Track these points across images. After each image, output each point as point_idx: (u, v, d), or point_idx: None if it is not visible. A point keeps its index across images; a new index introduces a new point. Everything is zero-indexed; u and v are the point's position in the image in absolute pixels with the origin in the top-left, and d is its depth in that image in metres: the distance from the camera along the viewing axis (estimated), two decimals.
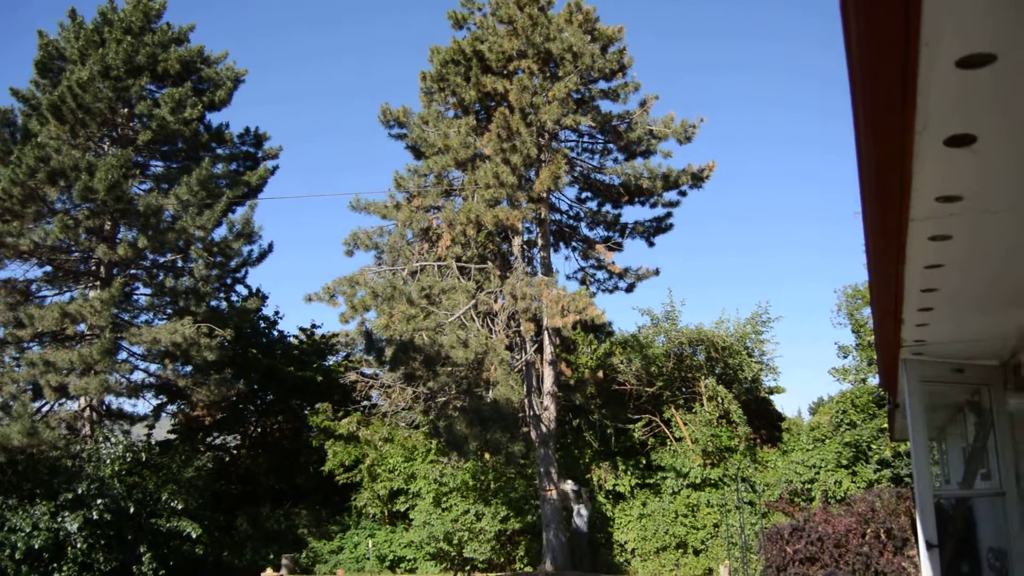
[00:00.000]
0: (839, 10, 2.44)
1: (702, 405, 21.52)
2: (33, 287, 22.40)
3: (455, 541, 20.65)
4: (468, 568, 20.79)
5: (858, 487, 18.67)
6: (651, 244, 22.69)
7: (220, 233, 22.78)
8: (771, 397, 23.80)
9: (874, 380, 21.47)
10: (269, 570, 19.61)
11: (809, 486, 19.33)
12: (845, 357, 22.68)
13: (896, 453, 19.40)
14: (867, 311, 23.16)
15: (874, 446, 19.47)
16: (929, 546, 6.53)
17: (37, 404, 21.20)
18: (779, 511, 12.92)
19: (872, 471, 19.18)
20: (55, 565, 18.10)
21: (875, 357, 20.70)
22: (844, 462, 19.36)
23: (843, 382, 22.25)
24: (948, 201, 3.53)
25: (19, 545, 17.62)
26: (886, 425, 19.32)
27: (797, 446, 20.64)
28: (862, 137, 3.09)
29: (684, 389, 22.49)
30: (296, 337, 28.80)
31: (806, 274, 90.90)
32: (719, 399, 21.10)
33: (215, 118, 24.64)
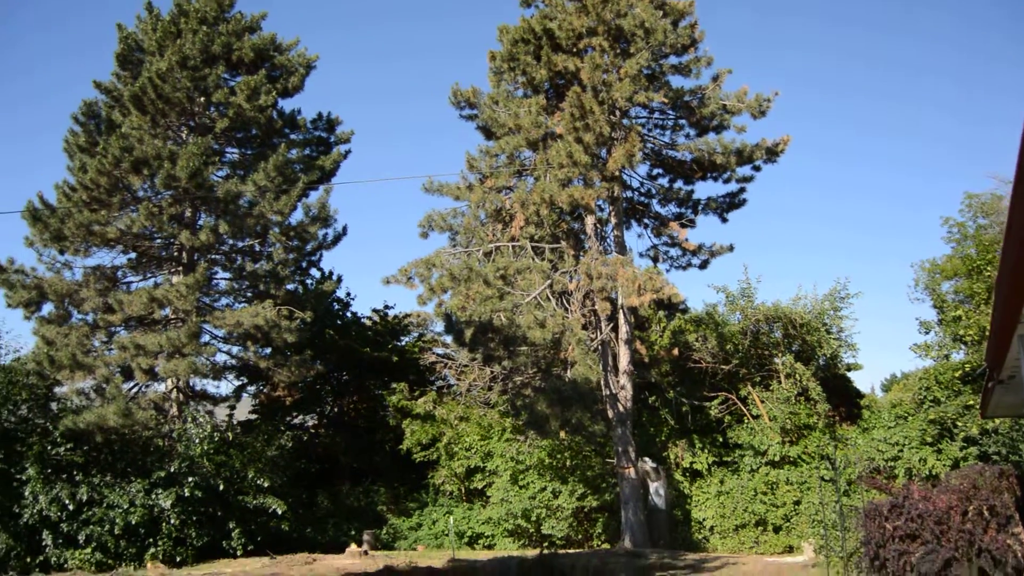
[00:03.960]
0: None
1: (779, 382, 21.32)
2: (119, 273, 23.12)
3: (533, 518, 20.90)
4: (546, 544, 21.03)
5: (944, 465, 18.34)
6: (724, 220, 22.50)
7: (296, 217, 23.22)
8: (849, 374, 23.45)
9: (958, 356, 20.98)
10: (353, 545, 20.12)
11: (892, 464, 19.05)
12: (927, 333, 22.19)
13: (984, 430, 18.99)
14: (947, 285, 22.59)
15: (959, 423, 19.07)
16: None
17: (127, 386, 21.94)
18: (876, 487, 12.76)
19: (958, 449, 18.80)
20: (151, 540, 18.87)
21: (959, 332, 20.23)
22: (929, 439, 19.03)
23: (925, 358, 21.80)
24: None
25: (117, 521, 18.41)
26: (972, 402, 18.90)
27: (878, 423, 20.32)
28: None
29: (761, 366, 22.27)
30: (369, 318, 29.27)
31: (876, 247, 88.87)
32: (797, 376, 20.87)
33: (288, 104, 25.05)
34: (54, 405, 20.75)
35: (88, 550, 18.52)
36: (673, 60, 21.30)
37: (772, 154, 21.22)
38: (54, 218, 20.69)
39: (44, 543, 18.64)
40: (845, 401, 22.40)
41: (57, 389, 21.10)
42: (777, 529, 19.77)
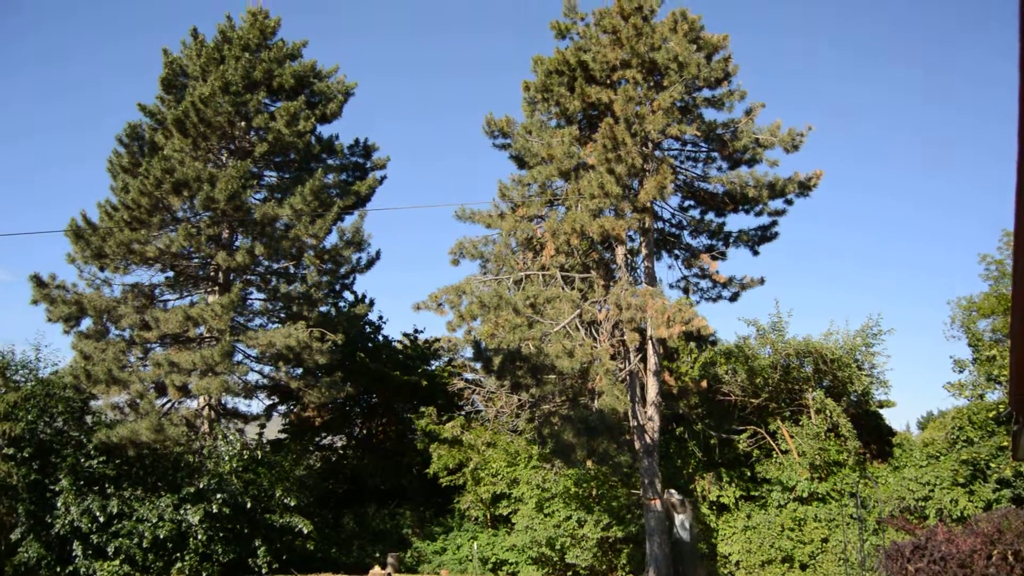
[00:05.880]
0: None
1: (809, 418, 21.12)
2: (157, 291, 23.60)
3: (557, 547, 20.83)
4: (570, 574, 20.94)
5: (976, 507, 18.03)
6: (756, 253, 22.39)
7: (331, 241, 23.63)
8: (881, 411, 23.16)
9: (993, 396, 20.67)
10: (377, 568, 20.19)
11: (923, 504, 18.76)
12: (961, 371, 21.89)
13: (1018, 472, 18.64)
14: (983, 323, 22.32)
15: (993, 464, 18.75)
16: None
17: (160, 402, 22.32)
18: (901, 528, 12.59)
19: (991, 490, 18.47)
20: (178, 554, 19.13)
21: (993, 372, 19.95)
22: (961, 480, 18.72)
23: (959, 397, 21.49)
24: None
25: (146, 534, 18.73)
26: (1006, 443, 18.61)
27: (910, 462, 20.05)
28: None
29: (791, 401, 22.09)
30: (400, 342, 29.52)
31: (912, 283, 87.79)
32: (827, 412, 20.67)
33: (326, 130, 25.56)
34: (89, 418, 21.18)
35: (116, 562, 18.83)
36: (706, 93, 21.37)
37: (805, 188, 21.15)
38: (96, 236, 21.25)
39: (74, 554, 19.00)
40: (876, 438, 22.12)
41: (92, 403, 21.56)
42: (804, 567, 19.52)
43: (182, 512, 19.15)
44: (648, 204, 19.80)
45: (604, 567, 21.12)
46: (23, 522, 19.51)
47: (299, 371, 23.37)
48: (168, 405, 22.61)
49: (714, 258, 21.72)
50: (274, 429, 27.93)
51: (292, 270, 24.02)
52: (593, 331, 19.59)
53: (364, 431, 29.43)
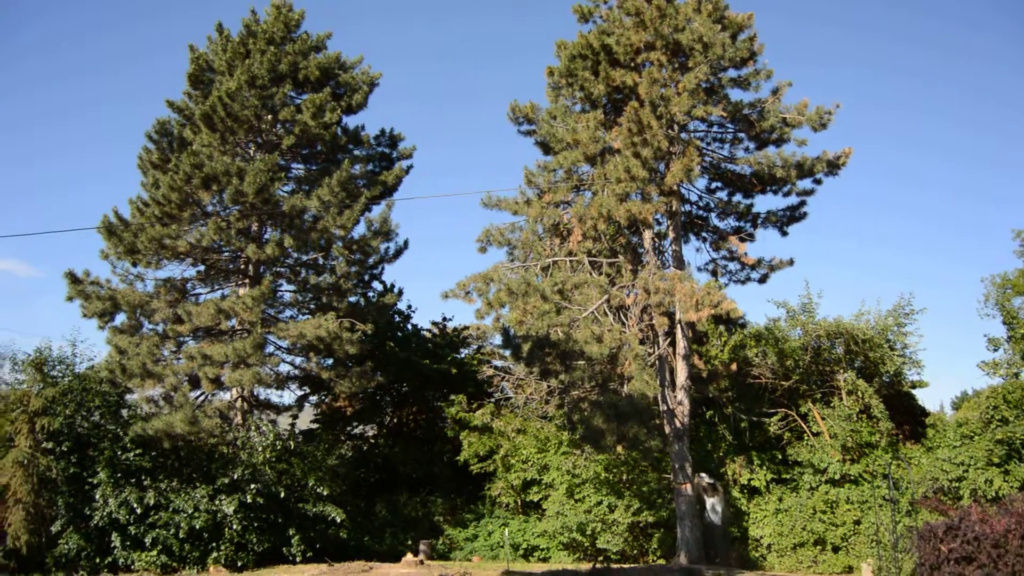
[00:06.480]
0: None
1: (841, 399, 20.95)
2: (188, 285, 23.86)
3: (588, 532, 20.89)
4: (601, 559, 20.98)
5: (1011, 487, 17.81)
6: (784, 234, 22.21)
7: (359, 231, 23.73)
8: (914, 391, 22.90)
9: None
10: (409, 555, 20.35)
11: (957, 484, 18.56)
12: (995, 350, 21.58)
13: None
14: (1018, 301, 21.97)
15: None
16: None
17: (194, 395, 22.60)
18: (935, 509, 12.44)
19: None
20: (214, 544, 19.42)
21: None
22: (996, 460, 18.49)
23: (994, 376, 21.18)
24: None
25: (182, 525, 19.02)
26: None
27: (943, 443, 19.83)
28: None
29: (822, 383, 21.92)
30: (429, 331, 29.65)
31: (945, 262, 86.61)
32: (859, 393, 20.49)
33: (351, 120, 25.63)
34: (125, 412, 21.51)
35: (154, 552, 19.16)
36: (732, 73, 21.17)
37: (833, 167, 20.91)
38: (128, 232, 21.51)
39: (113, 545, 19.36)
40: (909, 419, 21.89)
41: (128, 396, 21.88)
42: (836, 549, 19.41)
43: (217, 503, 19.43)
44: (675, 187, 19.71)
45: (635, 551, 21.15)
46: (63, 514, 19.93)
47: (330, 361, 23.54)
48: (202, 397, 22.87)
49: (742, 240, 21.58)
50: (306, 419, 28.22)
51: (321, 261, 24.17)
52: (622, 316, 19.56)
53: (395, 420, 29.63)
